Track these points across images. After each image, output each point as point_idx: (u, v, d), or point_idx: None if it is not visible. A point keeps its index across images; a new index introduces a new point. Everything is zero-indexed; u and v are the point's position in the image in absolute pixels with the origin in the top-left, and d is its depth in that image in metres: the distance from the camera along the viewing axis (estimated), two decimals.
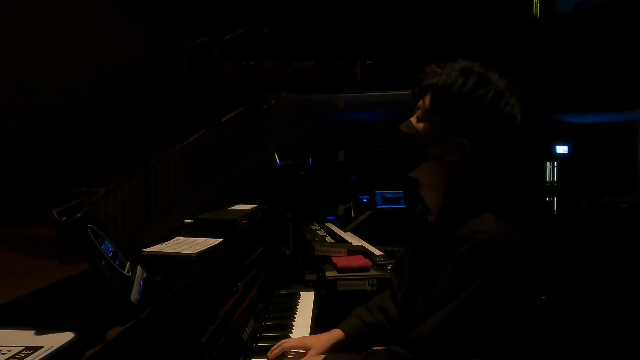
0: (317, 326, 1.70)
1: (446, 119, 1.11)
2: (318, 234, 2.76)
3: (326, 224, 3.39)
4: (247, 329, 1.42)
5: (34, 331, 0.77)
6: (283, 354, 1.32)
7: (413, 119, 1.17)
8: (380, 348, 1.23)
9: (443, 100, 1.11)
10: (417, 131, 1.15)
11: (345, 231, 3.10)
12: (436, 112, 1.13)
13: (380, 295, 1.47)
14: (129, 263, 0.99)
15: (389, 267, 2.18)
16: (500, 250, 1.01)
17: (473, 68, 1.12)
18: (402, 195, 4.96)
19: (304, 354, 1.30)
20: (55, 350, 0.70)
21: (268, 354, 1.32)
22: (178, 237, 1.53)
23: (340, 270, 2.16)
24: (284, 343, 1.32)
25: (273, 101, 6.22)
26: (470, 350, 1.01)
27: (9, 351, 0.69)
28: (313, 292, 2.02)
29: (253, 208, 2.12)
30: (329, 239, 2.63)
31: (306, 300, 1.92)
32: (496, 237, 1.01)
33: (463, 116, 1.10)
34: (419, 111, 1.16)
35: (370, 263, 2.24)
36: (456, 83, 1.09)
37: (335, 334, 1.34)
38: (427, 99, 1.14)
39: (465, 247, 1.02)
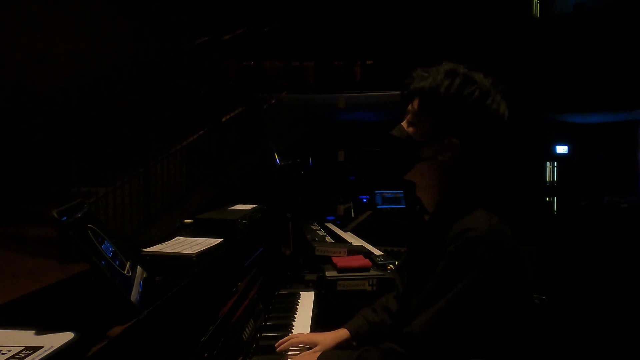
0: (317, 326, 1.70)
1: (436, 120, 1.15)
2: (318, 234, 2.75)
3: (326, 224, 3.39)
4: (247, 329, 1.43)
5: (34, 331, 0.77)
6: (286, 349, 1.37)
7: (404, 124, 1.20)
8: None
9: (431, 102, 1.14)
10: (409, 135, 1.18)
11: (345, 231, 3.09)
12: (425, 115, 1.16)
13: (386, 296, 1.51)
14: (129, 263, 0.99)
15: (389, 267, 2.19)
16: (491, 247, 1.03)
17: (458, 70, 1.15)
18: (402, 195, 4.96)
19: (308, 349, 1.35)
20: (55, 350, 0.70)
21: (276, 345, 1.37)
22: (178, 237, 1.53)
23: (340, 270, 2.16)
24: (293, 338, 1.38)
25: (273, 101, 6.22)
26: (461, 346, 1.02)
27: (9, 351, 0.69)
28: (313, 292, 2.02)
29: (253, 208, 2.12)
30: (329, 239, 2.63)
31: (306, 300, 1.92)
32: (487, 234, 1.04)
33: (452, 116, 1.13)
34: (409, 115, 1.20)
35: (370, 263, 2.24)
36: (442, 85, 1.13)
37: (342, 333, 1.39)
38: (416, 102, 1.17)
39: (456, 244, 1.04)
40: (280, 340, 1.37)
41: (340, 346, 1.35)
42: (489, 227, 1.05)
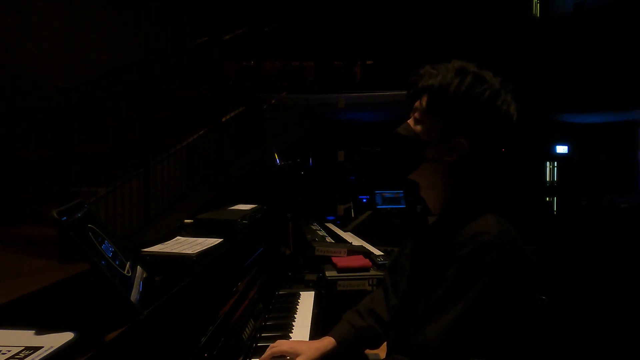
0: (317, 326, 1.70)
1: (444, 119, 1.11)
2: (318, 234, 2.75)
3: (326, 224, 3.39)
4: (247, 329, 1.42)
5: (34, 331, 0.77)
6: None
7: (410, 121, 1.16)
8: (373, 352, 1.22)
9: (440, 101, 1.10)
10: (416, 133, 1.14)
11: (345, 231, 3.09)
12: (434, 114, 1.12)
13: (369, 296, 1.45)
14: (129, 263, 0.99)
15: None
16: (503, 251, 1.01)
17: (468, 68, 1.11)
18: (402, 195, 4.96)
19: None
20: (55, 350, 0.70)
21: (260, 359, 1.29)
22: (178, 237, 1.53)
23: (340, 270, 2.16)
24: (274, 347, 1.29)
25: (273, 101, 6.22)
26: (475, 352, 1.00)
27: (9, 351, 0.69)
28: (313, 292, 2.02)
29: (253, 208, 2.12)
30: (329, 239, 2.63)
31: (306, 300, 1.91)
32: (499, 238, 1.02)
33: (461, 116, 1.09)
34: (417, 113, 1.15)
35: (370, 263, 2.24)
36: (452, 84, 1.09)
37: (327, 342, 1.31)
38: (424, 100, 1.13)
39: (469, 248, 1.02)
40: (265, 354, 1.28)
41: (327, 356, 1.28)
42: (499, 230, 1.03)
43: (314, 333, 1.60)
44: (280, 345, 1.29)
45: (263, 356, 1.28)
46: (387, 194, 4.98)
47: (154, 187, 4.63)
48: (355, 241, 2.71)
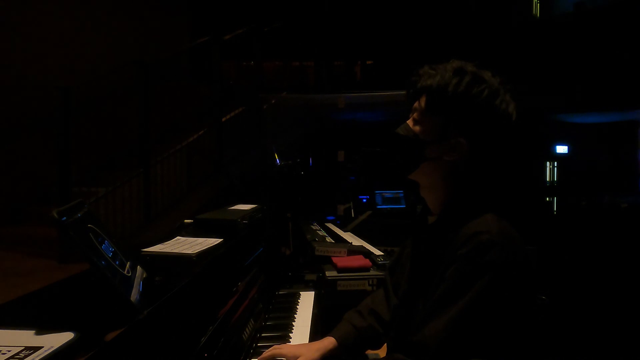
0: (317, 326, 1.70)
1: (443, 119, 1.11)
2: (318, 234, 2.75)
3: (326, 224, 3.40)
4: (247, 329, 1.42)
5: (34, 331, 0.77)
6: None
7: (409, 122, 1.17)
8: (373, 352, 1.21)
9: (439, 101, 1.11)
10: (415, 133, 1.14)
11: (345, 231, 3.10)
12: (432, 114, 1.12)
13: (370, 296, 1.45)
14: (129, 263, 0.99)
15: None
16: (503, 250, 1.01)
17: (466, 68, 1.11)
18: (402, 195, 4.95)
19: None
20: (55, 350, 0.70)
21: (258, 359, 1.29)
22: (178, 237, 1.53)
23: (340, 270, 2.16)
24: (275, 349, 1.29)
25: (273, 101, 6.22)
26: (474, 352, 1.00)
27: (9, 351, 0.69)
28: (313, 292, 2.01)
29: (253, 208, 2.12)
30: (329, 239, 2.64)
31: (306, 300, 1.91)
32: (498, 237, 1.02)
33: (459, 116, 1.10)
34: (415, 113, 1.16)
35: (370, 263, 2.24)
36: (451, 83, 1.09)
37: (327, 343, 1.31)
38: (423, 100, 1.14)
39: (468, 247, 1.02)
40: (263, 353, 1.28)
41: (327, 356, 1.28)
42: (499, 230, 1.03)
43: (314, 333, 1.60)
44: (281, 348, 1.30)
45: (263, 355, 1.28)
46: (387, 194, 4.97)
47: (154, 187, 4.63)
48: (355, 241, 2.71)
